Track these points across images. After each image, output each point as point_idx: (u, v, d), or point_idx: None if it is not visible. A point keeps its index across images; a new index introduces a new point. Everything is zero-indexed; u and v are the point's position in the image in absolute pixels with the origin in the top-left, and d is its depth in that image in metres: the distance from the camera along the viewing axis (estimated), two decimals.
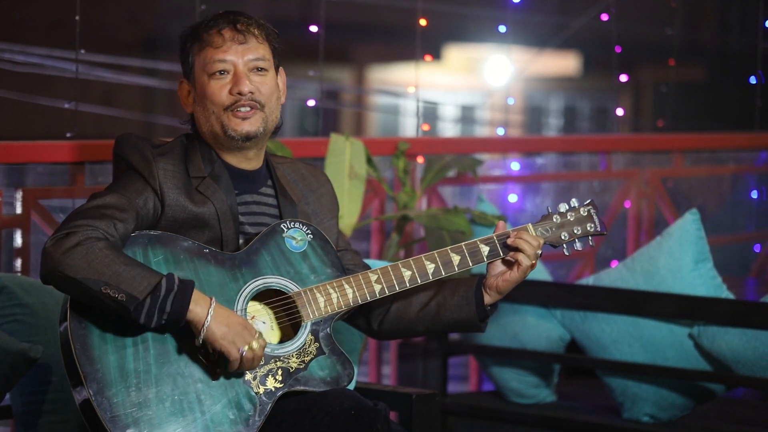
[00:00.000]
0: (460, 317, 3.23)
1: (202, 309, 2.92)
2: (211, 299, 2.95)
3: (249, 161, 3.21)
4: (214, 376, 2.98)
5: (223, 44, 3.14)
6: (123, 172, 3.10)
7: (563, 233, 3.26)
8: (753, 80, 7.14)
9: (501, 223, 3.23)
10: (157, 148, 3.13)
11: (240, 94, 3.12)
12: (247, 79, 3.14)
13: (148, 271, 2.90)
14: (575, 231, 3.27)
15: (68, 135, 4.57)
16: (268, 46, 3.19)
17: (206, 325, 2.92)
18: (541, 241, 3.19)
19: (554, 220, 3.26)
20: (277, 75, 3.22)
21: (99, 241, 2.90)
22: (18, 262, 4.13)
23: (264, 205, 3.22)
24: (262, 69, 3.17)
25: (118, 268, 2.87)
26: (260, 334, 2.98)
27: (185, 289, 2.91)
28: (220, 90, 3.13)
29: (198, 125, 3.19)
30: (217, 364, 2.98)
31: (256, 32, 3.18)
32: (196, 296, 2.93)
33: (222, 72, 3.14)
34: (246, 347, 2.94)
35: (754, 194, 7.04)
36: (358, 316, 3.32)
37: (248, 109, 3.14)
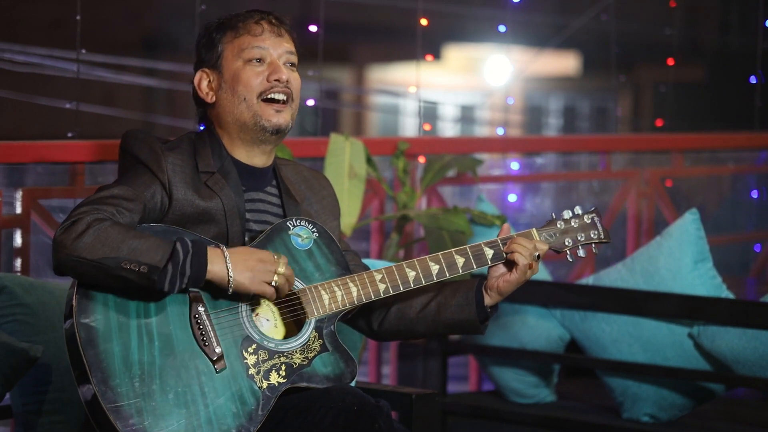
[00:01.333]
0: (460, 318, 3.24)
1: (220, 266, 2.97)
2: (223, 252, 2.98)
3: (262, 156, 3.23)
4: (216, 370, 2.99)
5: (262, 33, 3.19)
6: (131, 166, 3.12)
7: (567, 239, 3.28)
8: (753, 80, 7.14)
9: (506, 226, 3.25)
10: (165, 144, 3.14)
11: (278, 81, 3.16)
12: (284, 68, 3.18)
13: (159, 240, 2.94)
14: (579, 238, 3.29)
15: (69, 135, 4.58)
16: (294, 46, 3.24)
17: (231, 281, 2.97)
18: (537, 245, 3.20)
19: (558, 225, 3.29)
20: None
21: (104, 221, 2.93)
22: (18, 262, 4.13)
23: (269, 203, 3.24)
24: (293, 64, 3.23)
25: (132, 243, 2.91)
26: (281, 256, 3.03)
27: (200, 250, 2.95)
28: (255, 77, 3.17)
29: (220, 114, 3.20)
30: (258, 301, 3.05)
31: (288, 30, 3.24)
32: (211, 254, 2.96)
33: (259, 60, 3.18)
34: (275, 278, 3.00)
35: (754, 194, 7.04)
36: (359, 317, 3.32)
37: (283, 97, 3.18)
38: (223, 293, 3.02)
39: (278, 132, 3.19)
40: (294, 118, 3.23)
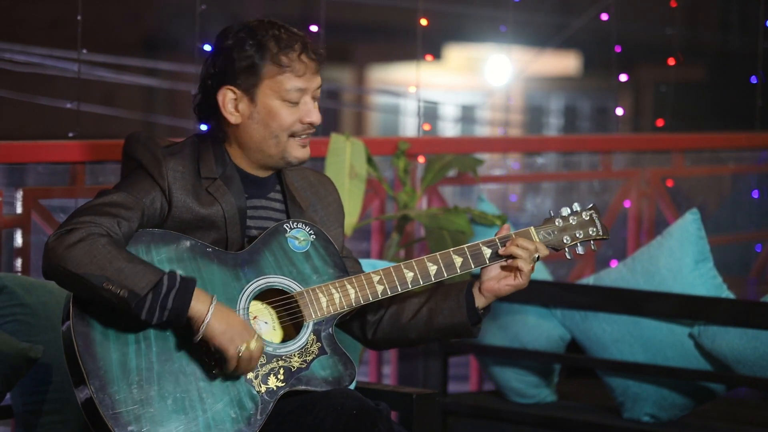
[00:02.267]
0: (452, 322, 3.22)
1: (203, 306, 2.92)
2: (212, 297, 2.95)
3: (267, 171, 3.22)
4: (215, 375, 2.99)
5: (305, 73, 3.15)
6: (132, 171, 3.11)
7: (565, 237, 3.25)
8: (754, 80, 7.14)
9: (506, 225, 3.23)
10: (167, 148, 3.13)
11: (311, 124, 3.15)
12: (316, 108, 3.17)
13: (150, 268, 2.90)
14: (577, 235, 3.26)
15: (70, 135, 4.58)
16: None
17: (206, 321, 2.92)
18: (538, 246, 3.18)
19: (556, 223, 3.26)
20: None
21: (102, 237, 2.91)
22: (18, 262, 4.13)
23: (272, 210, 3.22)
24: (318, 97, 3.20)
25: (120, 264, 2.88)
26: (259, 336, 2.98)
27: (187, 287, 2.91)
28: (290, 115, 3.14)
29: (242, 137, 3.16)
30: (216, 364, 2.98)
31: (322, 63, 3.21)
32: (198, 294, 2.93)
33: (297, 101, 3.15)
34: (244, 346, 2.94)
35: (755, 194, 7.04)
36: (353, 325, 3.31)
37: (310, 135, 3.18)
38: (191, 335, 2.95)
39: (302, 163, 3.20)
40: None
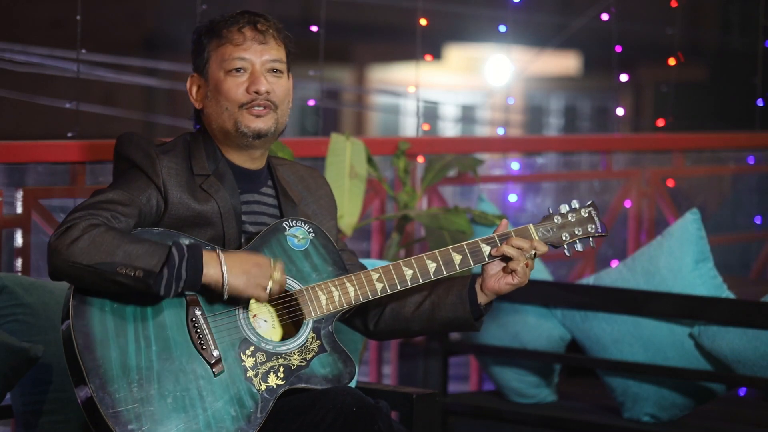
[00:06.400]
0: (454, 316, 3.23)
1: (215, 269, 2.96)
2: (218, 255, 2.97)
3: (253, 161, 3.23)
4: (215, 374, 2.99)
5: (244, 42, 3.16)
6: (126, 170, 3.11)
7: (564, 234, 3.26)
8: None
9: (504, 222, 3.23)
10: (159, 147, 3.14)
11: (257, 93, 3.15)
12: (264, 78, 3.16)
13: (155, 244, 2.93)
14: (576, 232, 3.27)
15: (69, 135, 4.58)
16: (284, 50, 3.22)
17: (226, 285, 2.96)
18: (535, 244, 3.18)
19: (555, 220, 3.26)
20: (288, 78, 3.24)
21: (98, 226, 2.92)
22: (18, 262, 4.13)
23: (265, 204, 3.23)
24: (277, 71, 3.19)
25: (127, 247, 2.90)
26: (276, 260, 3.02)
27: (195, 254, 2.94)
28: (236, 87, 3.15)
29: (207, 121, 3.20)
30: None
31: (275, 34, 3.20)
32: (206, 257, 2.96)
33: (239, 69, 3.16)
34: (270, 284, 2.99)
35: (757, 219, 7.04)
36: (355, 317, 3.32)
37: (262, 108, 3.16)
38: (219, 296, 3.01)
39: (260, 137, 3.17)
40: (280, 122, 3.20)
